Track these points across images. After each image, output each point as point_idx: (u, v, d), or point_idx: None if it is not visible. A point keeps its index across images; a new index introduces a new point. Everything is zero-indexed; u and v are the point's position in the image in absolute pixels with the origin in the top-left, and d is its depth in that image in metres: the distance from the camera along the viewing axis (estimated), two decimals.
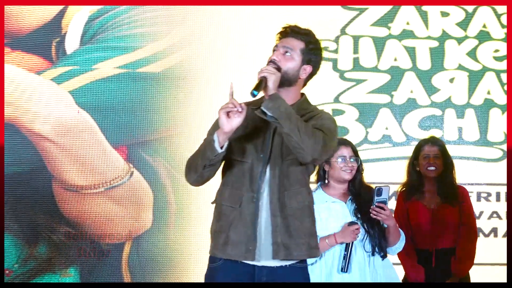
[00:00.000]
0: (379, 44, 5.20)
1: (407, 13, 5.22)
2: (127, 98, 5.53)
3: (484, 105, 5.19)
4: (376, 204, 3.63)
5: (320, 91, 5.10)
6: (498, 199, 4.99)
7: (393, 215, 3.79)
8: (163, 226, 5.10)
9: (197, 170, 2.80)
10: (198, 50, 5.52)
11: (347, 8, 5.28)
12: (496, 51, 5.20)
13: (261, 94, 2.77)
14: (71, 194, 5.32)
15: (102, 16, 5.44)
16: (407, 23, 5.21)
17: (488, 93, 5.19)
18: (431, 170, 3.97)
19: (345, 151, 3.81)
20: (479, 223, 4.67)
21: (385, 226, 3.73)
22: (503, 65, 5.21)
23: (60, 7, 5.35)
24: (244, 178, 2.77)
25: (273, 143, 2.81)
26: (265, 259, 2.75)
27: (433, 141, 4.16)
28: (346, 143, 3.91)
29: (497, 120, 5.17)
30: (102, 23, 5.43)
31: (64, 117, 5.42)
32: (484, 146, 5.00)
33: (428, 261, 3.92)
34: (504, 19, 5.21)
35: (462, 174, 4.98)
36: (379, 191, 3.70)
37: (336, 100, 5.22)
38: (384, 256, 3.73)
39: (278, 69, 2.80)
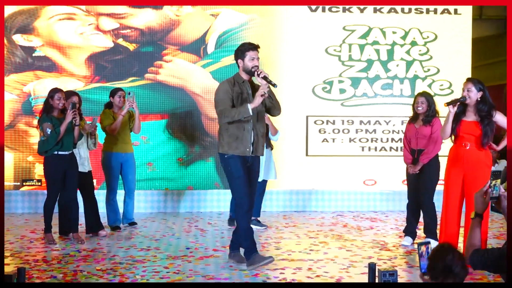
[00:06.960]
0: (361, 47, 8.20)
1: (376, 32, 8.18)
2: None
3: (413, 77, 8.26)
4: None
5: (330, 71, 8.15)
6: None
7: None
8: None
9: (233, 119, 4.67)
10: (276, 45, 7.74)
11: (345, 29, 8.15)
12: (420, 51, 8.25)
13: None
14: (211, 122, 7.91)
15: (225, 35, 7.93)
16: (375, 37, 8.24)
17: (415, 72, 8.27)
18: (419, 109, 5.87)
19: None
20: None
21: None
22: (423, 57, 8.19)
23: (205, 30, 7.67)
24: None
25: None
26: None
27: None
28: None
29: (419, 85, 8.17)
30: (225, 38, 7.89)
31: (205, 83, 7.83)
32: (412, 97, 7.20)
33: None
34: (425, 35, 8.15)
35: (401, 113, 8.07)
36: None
37: (340, 75, 8.24)
38: (271, 148, 6.40)
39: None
